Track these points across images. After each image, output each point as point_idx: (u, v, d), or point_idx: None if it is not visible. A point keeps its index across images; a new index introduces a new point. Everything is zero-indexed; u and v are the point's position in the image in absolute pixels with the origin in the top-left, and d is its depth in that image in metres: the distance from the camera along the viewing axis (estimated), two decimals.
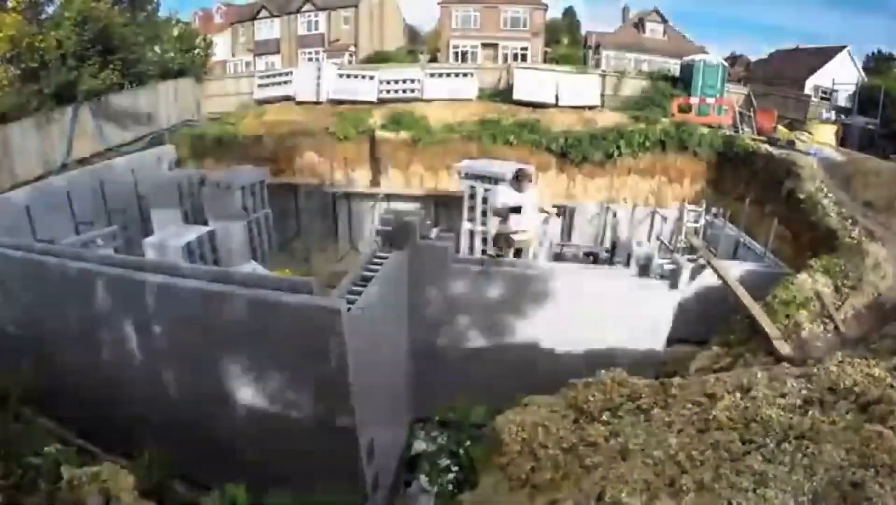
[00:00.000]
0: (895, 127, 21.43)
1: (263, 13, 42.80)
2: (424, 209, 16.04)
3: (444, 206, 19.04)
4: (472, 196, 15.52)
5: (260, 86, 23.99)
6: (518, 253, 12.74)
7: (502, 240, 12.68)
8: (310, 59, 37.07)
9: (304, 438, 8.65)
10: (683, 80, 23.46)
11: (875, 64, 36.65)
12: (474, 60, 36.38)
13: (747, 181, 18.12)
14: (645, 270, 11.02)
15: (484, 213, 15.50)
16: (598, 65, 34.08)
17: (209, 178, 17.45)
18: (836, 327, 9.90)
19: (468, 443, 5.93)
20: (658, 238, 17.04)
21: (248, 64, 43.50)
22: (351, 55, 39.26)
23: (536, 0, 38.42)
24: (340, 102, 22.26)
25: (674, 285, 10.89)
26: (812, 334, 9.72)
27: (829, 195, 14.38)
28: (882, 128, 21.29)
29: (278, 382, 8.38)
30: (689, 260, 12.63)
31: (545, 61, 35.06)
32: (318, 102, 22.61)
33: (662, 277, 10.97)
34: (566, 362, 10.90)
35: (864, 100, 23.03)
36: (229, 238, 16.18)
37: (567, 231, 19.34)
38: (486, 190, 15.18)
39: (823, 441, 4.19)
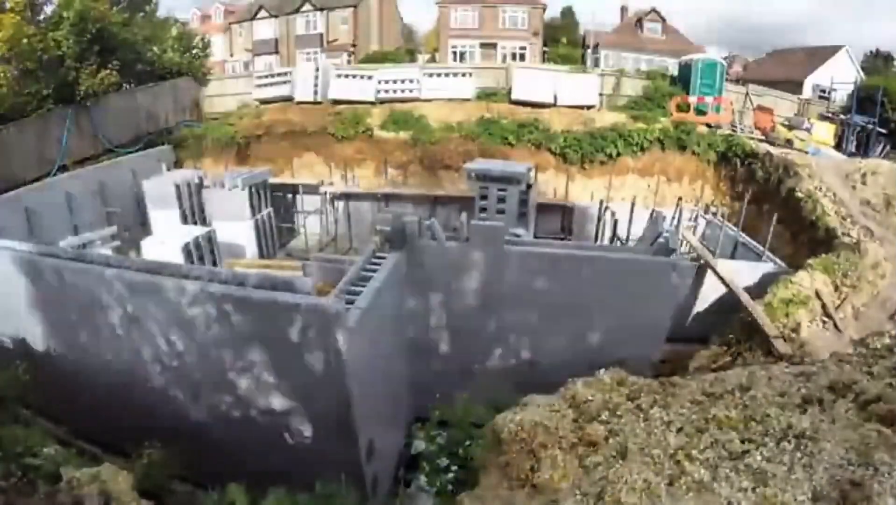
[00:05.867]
0: (894, 126, 21.46)
1: (262, 13, 42.77)
2: (423, 209, 16.13)
3: (443, 206, 19.04)
4: (485, 197, 15.79)
5: (258, 86, 23.98)
6: None
7: None
8: (308, 59, 37.06)
9: (304, 438, 8.65)
10: (682, 80, 23.47)
11: (873, 63, 36.70)
12: (473, 60, 36.39)
13: (746, 180, 18.15)
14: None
15: (499, 212, 15.66)
16: (596, 64, 34.10)
17: (214, 178, 17.48)
18: (836, 326, 9.94)
19: (468, 443, 5.92)
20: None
21: (246, 64, 43.48)
22: (349, 55, 39.24)
23: (535, 0, 38.45)
24: (339, 102, 22.24)
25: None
26: (811, 333, 9.74)
27: (828, 194, 14.41)
28: (881, 126, 21.33)
29: (277, 381, 8.38)
30: (690, 260, 12.65)
31: (544, 61, 35.08)
32: (316, 102, 22.59)
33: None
34: (566, 361, 10.90)
35: (863, 99, 23.04)
36: (236, 238, 16.25)
37: (568, 230, 19.37)
38: (499, 190, 15.53)
39: (823, 440, 4.20)
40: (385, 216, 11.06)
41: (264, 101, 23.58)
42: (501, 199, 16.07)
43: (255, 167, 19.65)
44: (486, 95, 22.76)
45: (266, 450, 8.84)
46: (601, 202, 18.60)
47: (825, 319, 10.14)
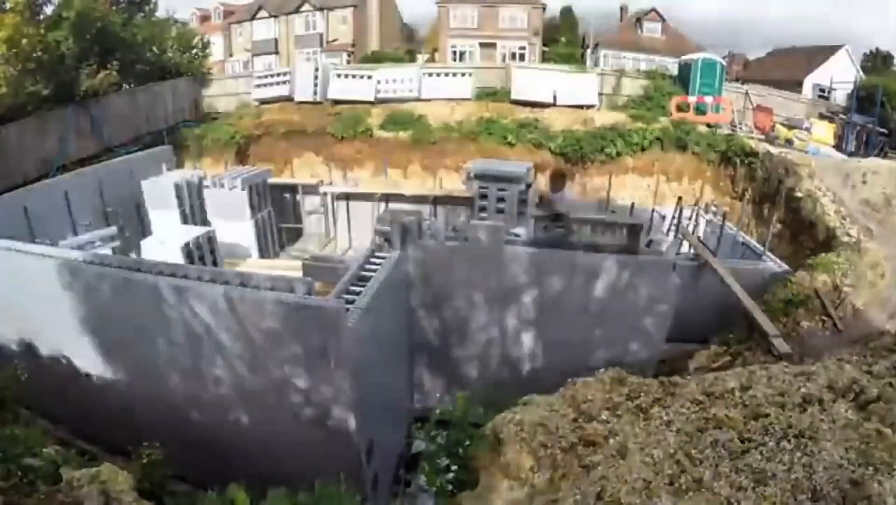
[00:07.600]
0: (893, 125, 21.46)
1: (261, 13, 42.75)
2: (423, 209, 16.12)
3: (443, 206, 19.03)
4: (484, 196, 15.88)
5: (258, 86, 23.97)
6: None
7: None
8: (307, 59, 37.01)
9: (304, 438, 8.64)
10: (682, 79, 23.49)
11: (873, 62, 36.71)
12: (472, 60, 36.37)
13: (746, 180, 18.16)
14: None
15: (499, 212, 15.67)
16: (596, 64, 34.10)
17: (214, 177, 17.48)
18: (836, 326, 9.93)
19: (468, 443, 5.91)
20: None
21: (245, 64, 43.46)
22: (349, 55, 39.22)
23: (535, 0, 38.44)
24: (338, 102, 22.24)
25: None
26: (811, 332, 9.74)
27: (828, 194, 14.41)
28: (880, 126, 21.32)
29: (278, 381, 8.37)
30: (690, 260, 12.65)
31: (543, 61, 35.06)
32: (316, 102, 22.58)
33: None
34: (566, 361, 10.89)
35: (863, 98, 23.04)
36: (236, 238, 16.25)
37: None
38: (499, 190, 15.66)
39: (822, 439, 4.20)
40: (385, 216, 11.04)
41: (264, 101, 23.58)
42: (501, 199, 16.09)
43: (255, 167, 19.67)
44: (485, 95, 22.75)
45: (266, 450, 8.83)
46: (600, 202, 18.63)
47: (825, 318, 10.14)
